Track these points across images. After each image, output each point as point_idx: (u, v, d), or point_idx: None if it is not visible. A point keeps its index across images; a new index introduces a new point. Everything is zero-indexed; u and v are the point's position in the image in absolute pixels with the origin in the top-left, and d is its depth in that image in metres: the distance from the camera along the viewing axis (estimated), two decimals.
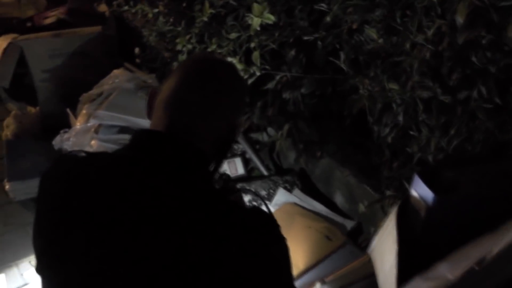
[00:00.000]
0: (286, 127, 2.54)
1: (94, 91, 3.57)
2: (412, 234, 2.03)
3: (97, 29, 4.30)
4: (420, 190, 2.00)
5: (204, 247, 1.26)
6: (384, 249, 2.09)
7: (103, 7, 4.54)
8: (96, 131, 3.27)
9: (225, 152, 1.57)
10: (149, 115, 1.57)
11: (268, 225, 1.41)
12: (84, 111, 3.41)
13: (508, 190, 1.97)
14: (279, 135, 2.56)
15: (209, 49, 2.63)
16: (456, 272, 1.73)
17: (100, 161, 1.43)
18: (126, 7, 3.44)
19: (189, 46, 2.78)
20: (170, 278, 1.23)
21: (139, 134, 1.48)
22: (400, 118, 2.20)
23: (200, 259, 1.25)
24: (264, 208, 1.50)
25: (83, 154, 1.46)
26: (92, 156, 1.46)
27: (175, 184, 1.36)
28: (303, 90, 2.47)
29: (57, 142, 3.44)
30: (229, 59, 2.53)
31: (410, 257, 1.99)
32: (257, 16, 2.35)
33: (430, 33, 2.07)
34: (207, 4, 2.59)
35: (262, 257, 1.33)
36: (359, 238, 2.55)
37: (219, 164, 1.56)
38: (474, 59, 1.99)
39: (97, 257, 1.26)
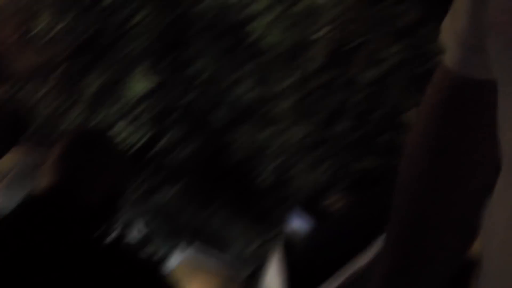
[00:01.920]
0: (178, 186, 2.67)
1: None
2: (297, 262, 2.17)
3: None
4: (299, 222, 2.16)
5: None
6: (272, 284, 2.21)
7: None
8: None
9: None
10: None
11: None
12: None
13: (379, 212, 2.15)
14: (173, 192, 2.69)
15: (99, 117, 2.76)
16: None
17: None
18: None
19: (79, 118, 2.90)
20: None
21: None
22: (278, 160, 2.38)
23: None
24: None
25: None
26: None
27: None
28: (186, 150, 2.63)
29: None
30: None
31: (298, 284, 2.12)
32: (139, 81, 2.52)
33: (295, 78, 2.29)
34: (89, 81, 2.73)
35: None
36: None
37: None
38: (335, 97, 2.21)
39: None
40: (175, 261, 2.86)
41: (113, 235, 1.83)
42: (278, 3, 2.12)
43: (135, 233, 2.86)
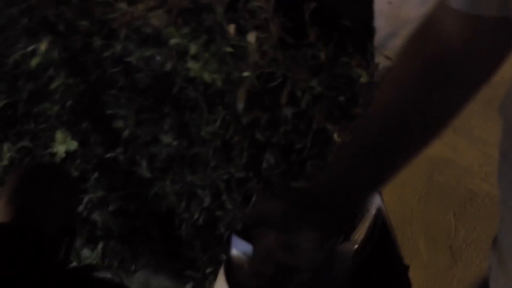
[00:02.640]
0: (100, 245, 2.67)
1: None
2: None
3: None
4: (239, 247, 2.28)
5: None
6: None
7: None
8: None
9: None
10: None
11: None
12: None
13: None
14: (94, 255, 2.68)
15: None
16: None
17: None
18: None
19: None
20: None
21: None
22: (206, 202, 2.51)
23: None
24: None
25: None
26: None
27: None
28: (110, 208, 2.67)
29: None
30: None
31: None
32: (61, 144, 2.57)
33: (217, 124, 2.48)
34: (5, 148, 2.74)
35: None
36: None
37: None
38: (258, 135, 2.43)
39: None
40: None
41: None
42: (206, 51, 2.36)
43: None
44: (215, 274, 2.47)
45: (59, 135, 2.60)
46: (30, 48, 2.61)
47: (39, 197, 1.72)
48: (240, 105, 2.40)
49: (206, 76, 2.30)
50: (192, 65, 2.31)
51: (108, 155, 2.65)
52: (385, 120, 1.07)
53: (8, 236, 1.62)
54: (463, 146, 2.22)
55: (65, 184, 1.86)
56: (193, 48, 2.32)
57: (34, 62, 2.58)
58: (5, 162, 2.72)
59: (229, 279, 2.35)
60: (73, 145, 2.61)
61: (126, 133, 2.62)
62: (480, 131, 2.15)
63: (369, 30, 2.33)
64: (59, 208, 1.75)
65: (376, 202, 2.25)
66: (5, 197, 1.69)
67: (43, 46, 2.55)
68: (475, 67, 0.99)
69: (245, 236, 2.37)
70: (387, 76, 1.12)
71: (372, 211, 2.22)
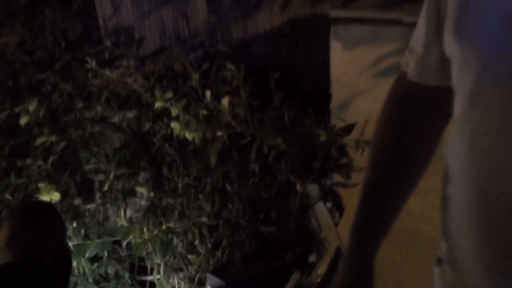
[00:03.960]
0: None
1: None
2: None
3: None
4: (214, 284, 2.58)
5: None
6: None
7: None
8: None
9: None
10: None
11: None
12: None
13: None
14: None
15: None
16: None
17: None
18: None
19: None
20: None
21: None
22: (179, 247, 2.80)
23: None
24: None
25: None
26: None
27: None
28: (86, 255, 2.90)
29: None
30: None
31: None
32: (46, 195, 2.80)
33: (191, 177, 2.79)
34: None
35: None
36: None
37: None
38: (228, 188, 2.76)
39: None
40: None
41: None
42: (185, 113, 2.69)
43: None
44: None
45: (43, 186, 2.83)
46: (17, 108, 2.86)
47: (35, 233, 1.93)
48: (213, 161, 2.72)
49: (187, 135, 2.62)
50: (174, 125, 2.64)
51: (88, 206, 2.90)
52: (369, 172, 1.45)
53: (19, 275, 1.83)
54: None
55: (55, 218, 2.07)
56: (174, 111, 2.65)
57: (23, 121, 2.83)
58: None
59: None
60: (57, 196, 2.84)
61: (105, 186, 2.88)
62: (421, 181, 2.57)
63: (326, 96, 2.74)
64: (53, 241, 1.97)
65: (336, 241, 2.63)
66: (4, 239, 1.90)
67: (31, 107, 2.80)
68: (427, 125, 1.36)
69: (219, 274, 2.67)
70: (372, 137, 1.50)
71: (333, 249, 2.60)
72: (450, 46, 1.06)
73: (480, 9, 0.98)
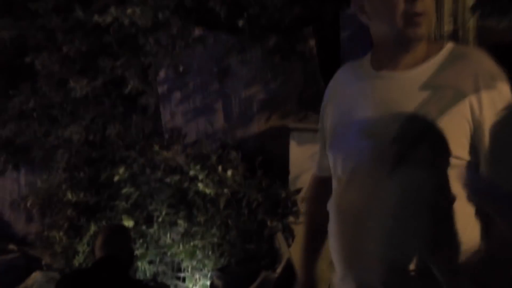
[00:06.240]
0: None
1: None
2: None
3: None
4: (218, 277, 4.58)
5: None
6: None
7: None
8: None
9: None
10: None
11: None
12: None
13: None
14: None
15: None
16: None
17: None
18: None
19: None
20: None
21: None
22: (200, 256, 4.82)
23: None
24: None
25: None
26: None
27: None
28: (147, 259, 4.96)
29: None
30: None
31: None
32: (126, 222, 4.90)
33: (209, 214, 4.83)
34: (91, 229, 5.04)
35: None
36: None
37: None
38: (229, 222, 4.79)
39: None
40: None
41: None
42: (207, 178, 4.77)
43: None
44: None
45: (124, 217, 4.92)
46: (113, 172, 5.01)
47: (116, 241, 3.80)
48: (221, 206, 4.77)
49: (207, 191, 4.70)
50: (200, 185, 4.72)
51: (149, 230, 4.97)
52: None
53: (107, 264, 3.59)
54: None
55: (127, 234, 3.98)
56: (200, 176, 4.73)
57: (115, 178, 4.98)
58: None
59: None
60: (131, 223, 4.93)
61: (159, 219, 4.94)
62: None
63: (286, 172, 4.78)
64: (125, 246, 3.81)
65: (288, 254, 4.67)
66: (100, 243, 3.61)
67: (121, 171, 4.95)
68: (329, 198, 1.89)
69: (222, 272, 4.73)
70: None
71: (285, 259, 4.68)
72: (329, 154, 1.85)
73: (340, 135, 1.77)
